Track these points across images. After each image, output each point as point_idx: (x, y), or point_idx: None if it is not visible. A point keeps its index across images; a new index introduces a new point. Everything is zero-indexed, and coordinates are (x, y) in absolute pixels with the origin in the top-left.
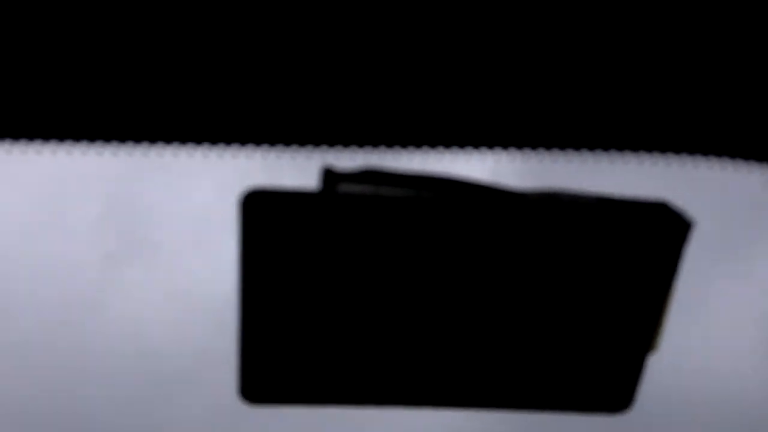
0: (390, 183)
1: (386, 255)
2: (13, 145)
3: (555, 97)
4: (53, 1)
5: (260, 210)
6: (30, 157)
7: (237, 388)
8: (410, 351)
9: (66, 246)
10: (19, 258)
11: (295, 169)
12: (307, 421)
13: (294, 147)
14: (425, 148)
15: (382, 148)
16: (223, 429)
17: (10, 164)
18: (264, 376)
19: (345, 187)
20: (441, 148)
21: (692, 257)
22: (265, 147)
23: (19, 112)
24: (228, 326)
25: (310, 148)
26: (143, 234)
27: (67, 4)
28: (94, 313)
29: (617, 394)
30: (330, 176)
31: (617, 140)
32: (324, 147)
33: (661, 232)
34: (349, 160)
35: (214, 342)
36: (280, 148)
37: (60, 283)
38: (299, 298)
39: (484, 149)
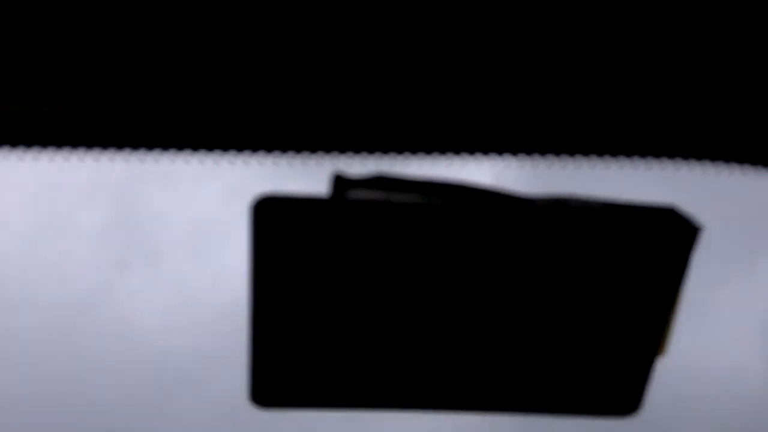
0: (400, 189)
1: (396, 261)
2: (20, 152)
3: (563, 103)
4: (60, 6)
5: (271, 216)
6: (37, 164)
7: (247, 392)
8: (420, 355)
9: (73, 252)
10: (26, 264)
11: (306, 176)
12: (318, 424)
13: (304, 153)
14: (435, 154)
15: (392, 154)
16: None
17: (17, 171)
18: (274, 381)
19: (355, 194)
20: (450, 154)
21: (701, 262)
22: (275, 153)
23: (25, 119)
24: (235, 331)
25: (320, 154)
26: (150, 240)
27: (74, 9)
28: (100, 319)
29: (626, 398)
30: (340, 182)
31: (625, 145)
32: (334, 153)
33: (670, 237)
34: (359, 166)
35: (221, 347)
36: (290, 154)
37: (66, 289)
38: (310, 303)
39: (493, 155)
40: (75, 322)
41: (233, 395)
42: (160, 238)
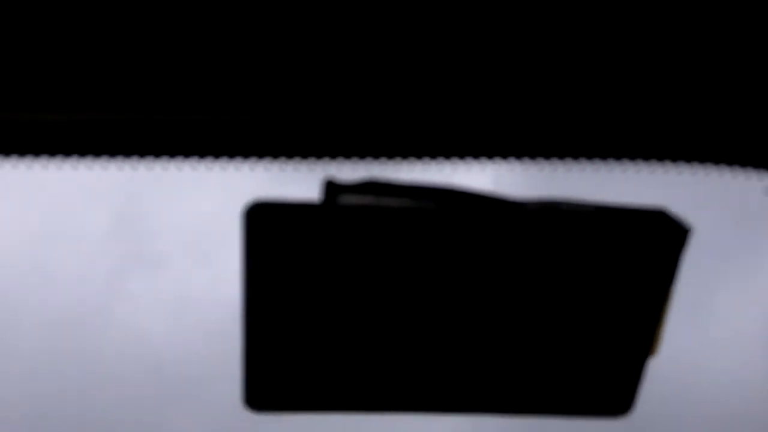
0: (391, 194)
1: (388, 265)
2: (22, 160)
3: (554, 107)
4: (63, 12)
5: (264, 221)
6: (39, 171)
7: (241, 396)
8: (413, 358)
9: (73, 258)
10: (27, 270)
11: (298, 181)
12: (313, 427)
13: (296, 159)
14: (426, 159)
15: (383, 159)
16: None
17: (19, 178)
18: (268, 384)
19: (347, 199)
20: (442, 159)
21: (692, 264)
22: (267, 159)
23: (25, 127)
24: (231, 336)
25: (311, 160)
26: (149, 246)
27: (77, 16)
28: (100, 324)
29: (618, 399)
30: (332, 188)
31: (616, 149)
32: (325, 159)
33: (660, 239)
34: (351, 171)
35: (217, 351)
36: (282, 160)
37: (67, 295)
38: (303, 307)
39: (484, 159)
40: (73, 326)
41: (229, 399)
42: (155, 243)
